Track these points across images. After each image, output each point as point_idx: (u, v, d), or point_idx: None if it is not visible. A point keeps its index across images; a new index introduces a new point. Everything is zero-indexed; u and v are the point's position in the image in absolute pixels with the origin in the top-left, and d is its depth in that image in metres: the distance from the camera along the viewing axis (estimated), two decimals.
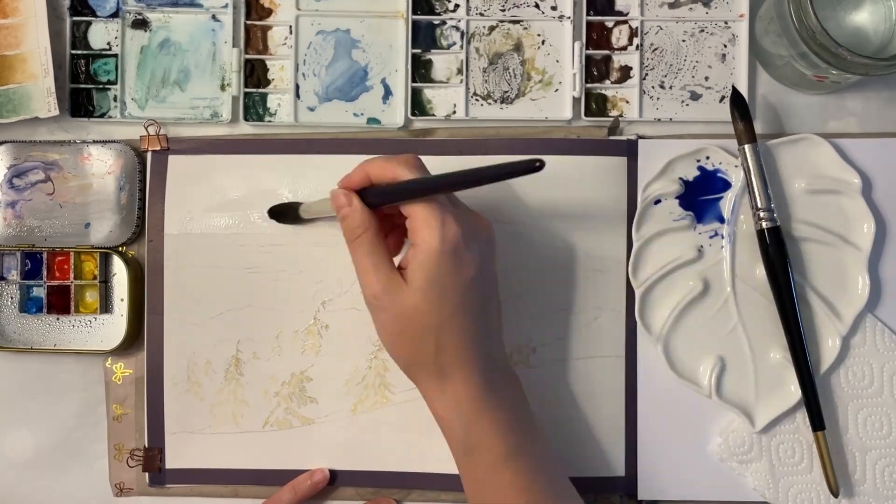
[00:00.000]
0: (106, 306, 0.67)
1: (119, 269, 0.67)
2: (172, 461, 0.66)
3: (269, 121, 0.67)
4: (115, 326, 0.67)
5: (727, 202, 0.64)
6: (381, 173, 0.55)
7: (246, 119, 0.67)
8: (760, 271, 0.64)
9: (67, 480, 0.68)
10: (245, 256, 0.66)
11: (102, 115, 0.68)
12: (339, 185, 0.57)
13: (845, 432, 0.64)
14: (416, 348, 0.55)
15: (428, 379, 0.55)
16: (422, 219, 0.53)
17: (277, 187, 0.66)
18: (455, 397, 0.55)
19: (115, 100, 0.68)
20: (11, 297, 0.67)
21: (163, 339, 0.66)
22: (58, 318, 0.67)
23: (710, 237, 0.65)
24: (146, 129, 0.67)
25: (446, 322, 0.54)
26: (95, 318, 0.67)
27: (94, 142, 0.67)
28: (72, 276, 0.67)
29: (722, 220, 0.64)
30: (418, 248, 0.53)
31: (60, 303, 0.67)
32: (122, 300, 0.67)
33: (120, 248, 0.67)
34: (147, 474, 0.67)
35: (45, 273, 0.67)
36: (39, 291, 0.67)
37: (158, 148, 0.67)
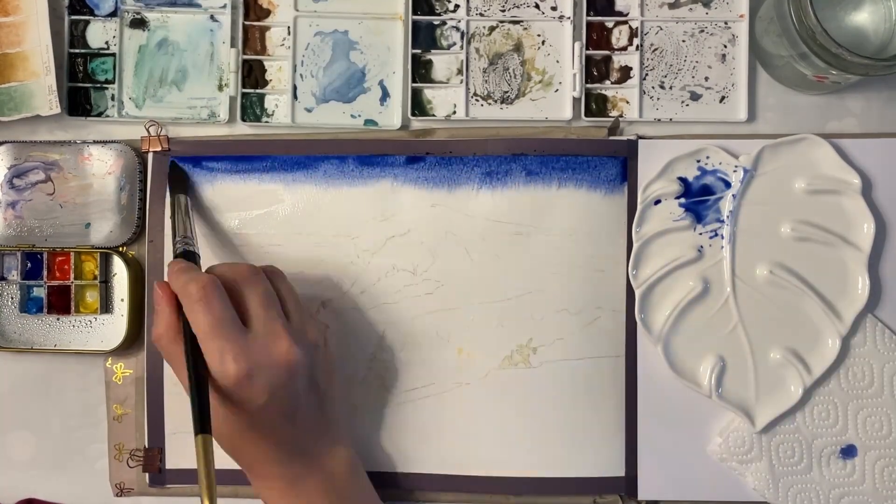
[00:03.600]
0: (106, 306, 0.67)
1: (119, 269, 0.67)
2: (172, 461, 0.66)
3: (267, 121, 0.67)
4: (115, 326, 0.67)
5: (727, 202, 0.64)
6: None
7: (243, 119, 0.67)
8: (760, 271, 0.64)
9: (68, 480, 0.68)
10: (245, 257, 0.66)
11: (100, 115, 0.68)
12: (169, 269, 0.57)
13: (845, 432, 0.64)
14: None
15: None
16: (206, 350, 0.53)
17: (277, 188, 0.66)
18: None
19: (112, 99, 0.68)
20: (12, 297, 0.67)
21: None
22: (58, 319, 0.67)
23: (710, 237, 0.64)
24: (147, 129, 0.67)
25: (237, 440, 0.56)
26: (96, 319, 0.67)
27: (95, 142, 0.67)
28: (72, 276, 0.67)
29: (722, 220, 0.64)
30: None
31: (61, 303, 0.67)
32: (122, 300, 0.67)
33: (120, 249, 0.67)
34: (147, 474, 0.67)
35: (45, 273, 0.67)
36: (40, 291, 0.67)
37: (160, 149, 0.67)
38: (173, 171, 0.66)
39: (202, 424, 0.50)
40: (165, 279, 0.57)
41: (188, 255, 0.59)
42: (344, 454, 0.59)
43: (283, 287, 0.59)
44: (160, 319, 0.55)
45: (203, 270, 0.58)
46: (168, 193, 0.65)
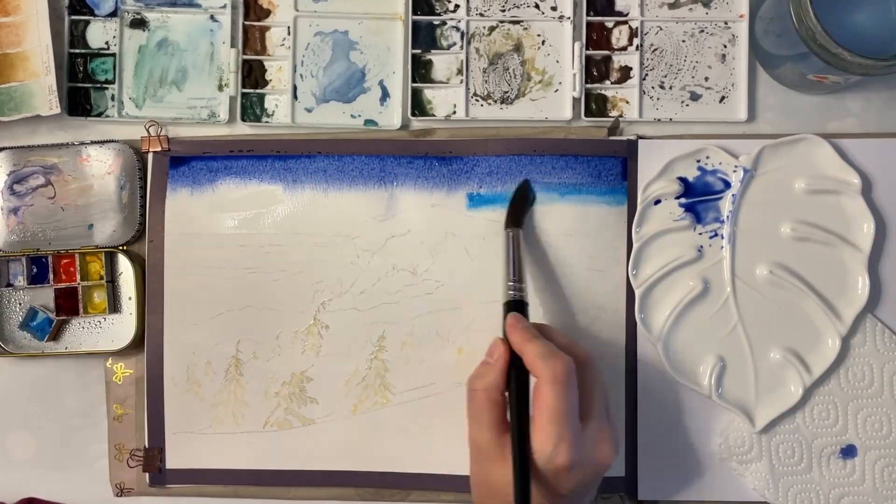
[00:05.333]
0: (114, 306, 0.67)
1: (125, 267, 0.67)
2: (172, 461, 0.67)
3: (267, 121, 0.67)
4: (124, 325, 0.67)
5: (727, 202, 0.64)
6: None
7: (243, 119, 0.67)
8: (760, 271, 0.64)
9: (68, 480, 0.68)
10: (245, 257, 0.66)
11: (100, 115, 0.68)
12: (507, 324, 0.56)
13: (845, 432, 0.64)
14: None
15: None
16: (543, 430, 0.52)
17: (276, 188, 0.66)
18: None
19: (112, 99, 0.68)
20: (20, 304, 0.67)
21: (163, 339, 0.67)
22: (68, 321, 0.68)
23: (710, 237, 0.64)
24: (147, 129, 0.67)
25: None
26: (105, 319, 0.67)
27: (92, 143, 0.67)
28: (78, 277, 0.67)
29: (722, 220, 0.64)
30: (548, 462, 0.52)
31: (69, 305, 0.67)
32: (130, 299, 0.67)
33: (123, 248, 0.67)
34: (147, 474, 0.67)
35: (51, 276, 0.67)
36: (44, 316, 0.67)
37: (160, 149, 0.67)
38: (520, 196, 0.65)
39: (524, 497, 0.50)
40: (503, 332, 0.57)
41: (520, 306, 0.58)
42: None
43: (601, 380, 0.57)
44: (488, 374, 0.55)
45: (530, 322, 0.57)
46: (504, 225, 0.63)
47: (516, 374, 0.54)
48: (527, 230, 0.64)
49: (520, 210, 0.64)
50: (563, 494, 0.53)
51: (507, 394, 0.55)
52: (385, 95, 0.67)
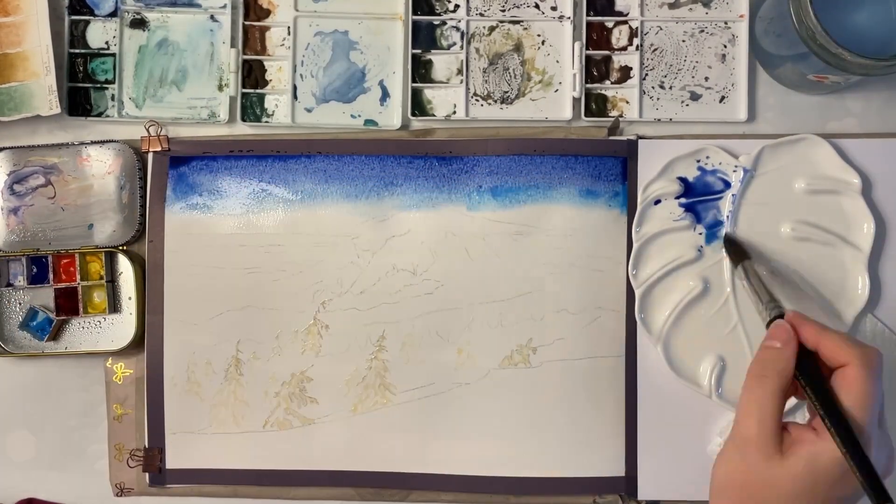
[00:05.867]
0: (114, 306, 0.67)
1: (125, 267, 0.67)
2: (172, 461, 0.67)
3: (267, 121, 0.67)
4: (124, 325, 0.67)
5: (727, 202, 0.64)
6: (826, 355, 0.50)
7: (243, 119, 0.67)
8: (760, 271, 0.64)
9: (68, 480, 0.68)
10: (245, 257, 0.66)
11: (100, 115, 0.68)
12: (788, 319, 0.52)
13: None
14: None
15: None
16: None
17: (277, 188, 0.66)
18: None
19: (112, 99, 0.68)
20: (20, 304, 0.67)
21: (163, 339, 0.67)
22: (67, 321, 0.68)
23: (711, 237, 0.64)
24: (147, 129, 0.67)
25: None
26: (105, 318, 0.67)
27: (92, 143, 0.67)
28: (78, 277, 0.67)
29: (722, 221, 0.64)
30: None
31: (69, 305, 0.67)
32: (130, 298, 0.67)
33: (123, 248, 0.67)
34: (147, 474, 0.67)
35: (51, 276, 0.67)
36: (44, 315, 0.67)
37: (160, 149, 0.67)
38: (730, 243, 0.64)
39: (885, 495, 0.45)
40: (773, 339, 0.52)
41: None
42: None
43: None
44: (780, 359, 0.50)
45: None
46: (733, 264, 0.63)
47: (809, 363, 0.50)
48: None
49: (737, 246, 0.63)
50: (844, 495, 0.48)
51: (800, 381, 0.50)
52: (385, 95, 0.67)
